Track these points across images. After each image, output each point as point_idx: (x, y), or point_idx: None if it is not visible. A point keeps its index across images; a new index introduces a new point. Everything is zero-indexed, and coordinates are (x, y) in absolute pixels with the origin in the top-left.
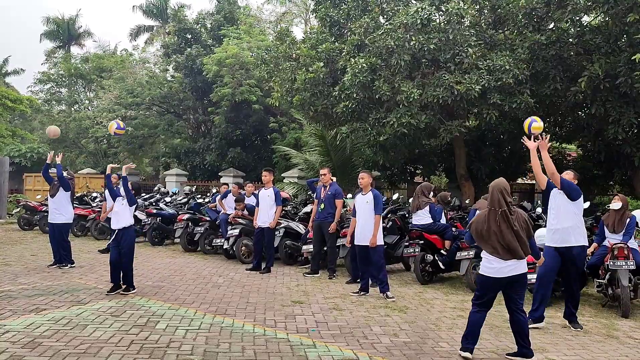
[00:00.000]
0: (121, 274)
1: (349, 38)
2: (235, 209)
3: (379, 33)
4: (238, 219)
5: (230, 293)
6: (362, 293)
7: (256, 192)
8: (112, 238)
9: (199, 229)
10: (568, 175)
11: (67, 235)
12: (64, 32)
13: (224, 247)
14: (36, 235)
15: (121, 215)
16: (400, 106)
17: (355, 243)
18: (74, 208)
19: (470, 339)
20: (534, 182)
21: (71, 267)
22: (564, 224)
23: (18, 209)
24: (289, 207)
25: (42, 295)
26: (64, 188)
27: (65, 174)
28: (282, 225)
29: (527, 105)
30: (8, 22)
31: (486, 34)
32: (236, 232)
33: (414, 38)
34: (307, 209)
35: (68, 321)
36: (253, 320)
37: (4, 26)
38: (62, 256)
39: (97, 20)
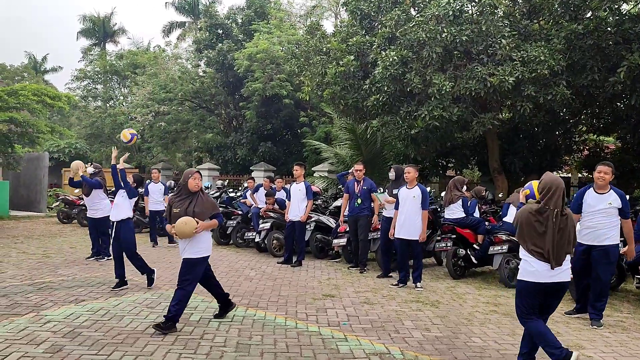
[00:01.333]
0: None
1: (379, 31)
2: (265, 203)
3: (410, 25)
4: (269, 213)
5: (262, 286)
6: (400, 285)
7: (287, 186)
8: (112, 231)
9: (231, 222)
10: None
11: (106, 229)
12: (100, 30)
13: (256, 240)
14: (74, 229)
15: (120, 207)
16: (432, 99)
17: (397, 236)
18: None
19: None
20: (569, 175)
21: (108, 259)
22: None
23: (57, 203)
24: (319, 201)
25: (80, 286)
26: (94, 187)
27: (90, 168)
28: (313, 219)
29: (562, 97)
30: (46, 21)
31: (520, 24)
32: (267, 225)
33: (445, 30)
34: (338, 202)
35: (106, 312)
36: (285, 313)
37: (43, 26)
38: (100, 249)
39: (131, 17)
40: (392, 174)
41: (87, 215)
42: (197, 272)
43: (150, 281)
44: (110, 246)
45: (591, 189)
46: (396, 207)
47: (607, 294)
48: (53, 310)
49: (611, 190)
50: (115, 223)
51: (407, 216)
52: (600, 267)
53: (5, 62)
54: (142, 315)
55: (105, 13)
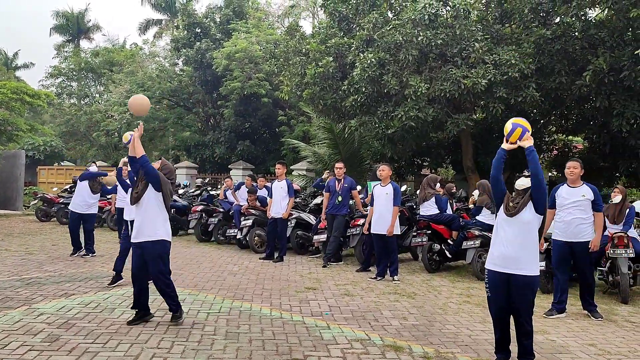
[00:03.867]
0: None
1: (357, 33)
2: (247, 201)
3: (388, 28)
4: (251, 210)
5: (245, 280)
6: (378, 278)
7: (268, 184)
8: (124, 228)
9: (213, 219)
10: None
11: (92, 226)
12: (74, 26)
13: (237, 237)
14: (54, 227)
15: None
16: (408, 100)
17: (372, 232)
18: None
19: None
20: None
21: (92, 256)
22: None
23: (36, 201)
24: (299, 198)
25: (68, 281)
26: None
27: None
28: (294, 216)
29: (532, 99)
30: (18, 16)
31: (492, 29)
32: (249, 222)
33: (421, 33)
34: (317, 200)
35: (96, 305)
36: (269, 305)
37: (15, 20)
38: (86, 245)
39: (105, 14)
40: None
41: (73, 209)
42: None
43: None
44: (121, 240)
45: (565, 184)
46: (371, 204)
47: (594, 285)
48: (44, 304)
49: (584, 184)
50: (128, 222)
51: (381, 212)
52: (583, 263)
53: None
54: None
55: (80, 9)
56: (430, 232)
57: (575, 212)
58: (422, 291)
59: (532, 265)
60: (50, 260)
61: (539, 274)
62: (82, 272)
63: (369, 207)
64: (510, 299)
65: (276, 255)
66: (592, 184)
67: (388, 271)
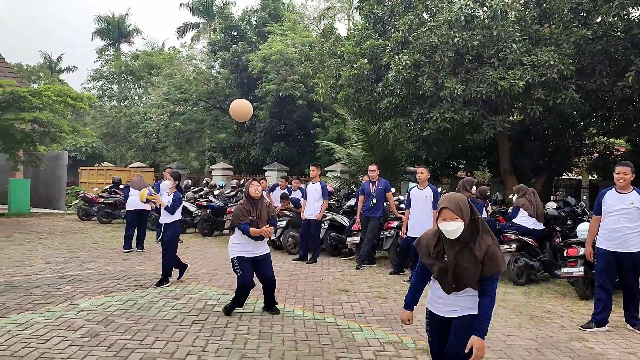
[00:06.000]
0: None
1: (392, 35)
2: (281, 204)
3: (423, 30)
4: (285, 212)
5: (279, 281)
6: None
7: (302, 186)
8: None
9: None
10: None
11: (145, 222)
12: (115, 30)
13: (271, 238)
14: (94, 225)
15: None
16: (444, 102)
17: (409, 235)
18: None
19: None
20: (579, 177)
21: (135, 252)
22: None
23: (77, 201)
24: (332, 200)
25: (107, 279)
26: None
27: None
28: (327, 217)
29: (572, 100)
30: (61, 21)
31: (531, 29)
32: (283, 223)
33: (457, 34)
34: (351, 202)
35: (134, 302)
36: (302, 306)
37: (58, 25)
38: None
39: (145, 18)
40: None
41: (129, 208)
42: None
43: (181, 274)
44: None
45: (612, 189)
46: (407, 207)
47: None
48: (85, 301)
49: (634, 190)
50: (164, 225)
51: (419, 215)
52: (629, 274)
53: (21, 62)
54: (169, 305)
55: (120, 14)
56: None
57: (622, 221)
58: None
59: None
60: (90, 258)
61: None
62: (120, 271)
63: (405, 210)
64: None
65: (309, 256)
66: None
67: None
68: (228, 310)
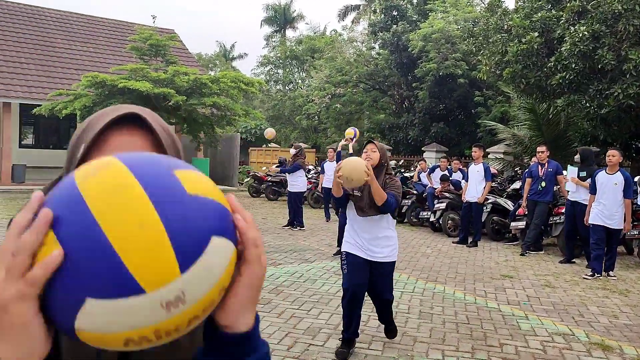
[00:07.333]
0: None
1: (568, 4)
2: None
3: None
4: (445, 193)
5: (439, 263)
6: (597, 275)
7: (463, 168)
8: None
9: (406, 201)
10: None
11: (300, 202)
12: (280, 17)
13: (430, 219)
14: (263, 202)
15: None
16: (627, 76)
17: (593, 222)
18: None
19: None
20: None
21: (301, 229)
22: None
23: (248, 179)
24: (495, 183)
25: (276, 252)
26: (295, 170)
27: (292, 150)
28: (490, 200)
29: None
30: (234, 12)
31: None
32: (443, 205)
33: None
34: (516, 185)
35: (300, 275)
36: (463, 289)
37: (231, 16)
38: (295, 219)
39: (308, 2)
40: (577, 157)
41: (287, 189)
42: None
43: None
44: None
45: None
46: (592, 192)
47: None
48: None
49: None
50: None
51: (608, 204)
52: None
53: (201, 52)
54: (332, 280)
55: (286, 1)
56: None
57: None
58: (637, 289)
59: None
60: (261, 232)
61: None
62: (287, 245)
63: (578, 194)
64: None
65: (470, 240)
66: None
67: (605, 265)
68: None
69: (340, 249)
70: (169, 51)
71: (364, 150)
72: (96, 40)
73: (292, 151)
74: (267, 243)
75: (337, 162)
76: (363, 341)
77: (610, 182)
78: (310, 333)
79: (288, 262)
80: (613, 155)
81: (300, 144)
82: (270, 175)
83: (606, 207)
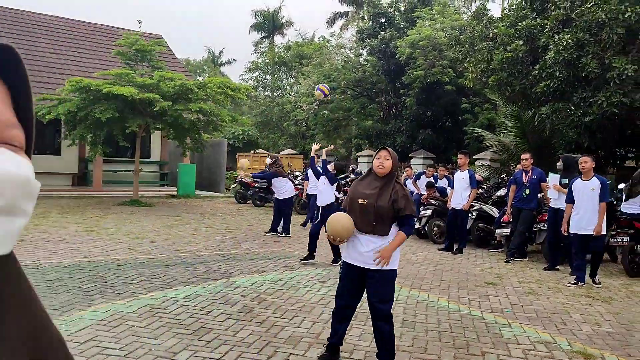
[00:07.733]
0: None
1: (552, 13)
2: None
3: (588, 6)
4: (430, 200)
5: (424, 270)
6: (580, 284)
7: (448, 175)
8: (319, 214)
9: None
10: None
11: (288, 209)
12: (269, 23)
13: (416, 226)
14: (250, 208)
15: (324, 194)
16: (611, 84)
17: (573, 232)
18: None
19: None
20: None
21: (287, 236)
22: None
23: (235, 185)
24: (481, 190)
25: (260, 259)
26: (267, 179)
27: (268, 159)
28: (475, 207)
29: None
30: (222, 17)
31: None
32: (429, 212)
33: (629, 9)
34: (502, 192)
35: (284, 283)
36: (447, 297)
37: (219, 21)
38: (281, 226)
39: (297, 9)
40: (559, 164)
41: (274, 196)
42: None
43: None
44: (312, 225)
45: None
46: (569, 201)
47: None
48: (241, 278)
49: None
50: (320, 208)
51: (585, 210)
52: None
53: (189, 57)
54: (315, 287)
55: (275, 7)
56: (633, 231)
57: None
58: (620, 296)
59: None
60: (246, 239)
61: None
62: (272, 252)
63: (560, 202)
64: None
65: (455, 247)
66: None
67: (589, 272)
68: None
69: (311, 255)
70: (155, 56)
71: (377, 157)
72: (81, 44)
73: (269, 160)
74: (253, 250)
75: (322, 169)
76: (345, 350)
77: (587, 188)
78: (291, 342)
79: (272, 269)
80: (586, 162)
81: (290, 149)
82: (258, 181)
83: (584, 216)
